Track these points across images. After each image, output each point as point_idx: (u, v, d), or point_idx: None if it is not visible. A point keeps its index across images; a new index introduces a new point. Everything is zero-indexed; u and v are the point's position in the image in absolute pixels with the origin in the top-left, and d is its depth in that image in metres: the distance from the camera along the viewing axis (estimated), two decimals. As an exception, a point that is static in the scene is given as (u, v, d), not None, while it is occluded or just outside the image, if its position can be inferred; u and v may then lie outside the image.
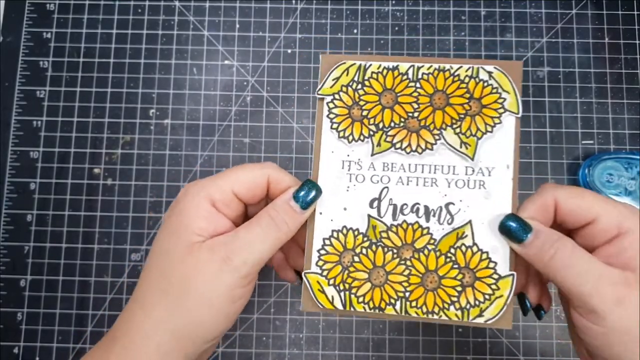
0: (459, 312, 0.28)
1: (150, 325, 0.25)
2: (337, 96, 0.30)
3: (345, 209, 0.29)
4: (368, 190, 0.29)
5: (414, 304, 0.28)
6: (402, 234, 0.29)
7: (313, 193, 0.27)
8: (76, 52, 0.46)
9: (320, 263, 0.29)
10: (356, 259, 0.29)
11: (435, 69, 0.30)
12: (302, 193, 0.27)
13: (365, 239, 0.29)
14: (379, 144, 0.30)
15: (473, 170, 0.29)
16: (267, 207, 0.27)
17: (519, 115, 0.29)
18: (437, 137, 0.29)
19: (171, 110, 0.46)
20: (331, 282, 0.29)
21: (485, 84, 0.29)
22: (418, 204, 0.29)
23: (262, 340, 0.43)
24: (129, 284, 0.43)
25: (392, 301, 0.29)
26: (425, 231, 0.29)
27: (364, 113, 0.30)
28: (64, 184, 0.45)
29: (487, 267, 0.28)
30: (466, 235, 0.29)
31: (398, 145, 0.30)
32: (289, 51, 0.47)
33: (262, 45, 0.47)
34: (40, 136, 0.45)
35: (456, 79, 0.30)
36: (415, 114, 0.30)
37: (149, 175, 0.45)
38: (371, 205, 0.29)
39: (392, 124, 0.30)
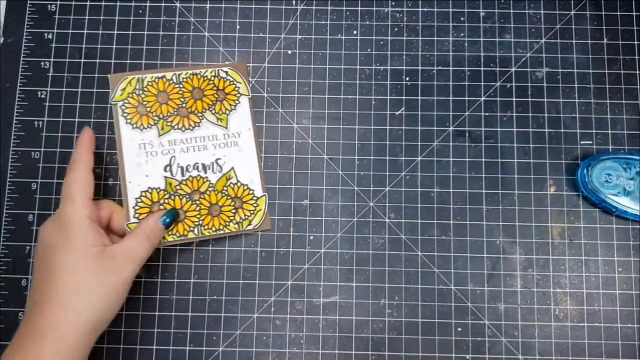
0: (236, 225, 0.43)
1: (71, 320, 0.34)
2: (126, 101, 0.43)
3: (147, 175, 0.43)
4: (161, 160, 0.43)
5: (206, 227, 0.43)
6: (190, 185, 0.43)
7: (170, 217, 0.41)
8: (77, 52, 0.47)
9: (137, 215, 0.42)
10: (162, 207, 0.43)
11: (190, 73, 0.44)
12: (165, 217, 0.41)
13: (165, 193, 0.43)
14: (162, 128, 0.43)
15: (228, 135, 0.44)
16: (142, 224, 0.39)
17: (250, 96, 0.45)
18: (201, 118, 0.44)
19: (172, 111, 0.46)
20: None
21: (225, 79, 0.45)
22: (197, 163, 0.43)
23: (262, 340, 0.43)
24: (130, 284, 0.44)
25: (191, 228, 0.43)
26: (205, 180, 0.43)
27: (147, 109, 0.43)
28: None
29: (248, 194, 0.44)
30: (232, 177, 0.44)
31: (176, 127, 0.44)
32: (289, 52, 0.47)
33: (263, 46, 0.47)
34: (41, 136, 0.45)
35: (205, 78, 0.45)
36: (184, 105, 0.44)
37: (150, 175, 0.45)
38: (165, 170, 0.43)
39: (169, 113, 0.44)
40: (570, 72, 0.46)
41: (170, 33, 0.47)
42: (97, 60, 0.46)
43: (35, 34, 0.47)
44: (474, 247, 0.44)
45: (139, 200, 0.43)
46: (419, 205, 0.45)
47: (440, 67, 0.47)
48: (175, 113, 0.44)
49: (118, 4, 0.47)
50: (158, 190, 0.43)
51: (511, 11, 0.47)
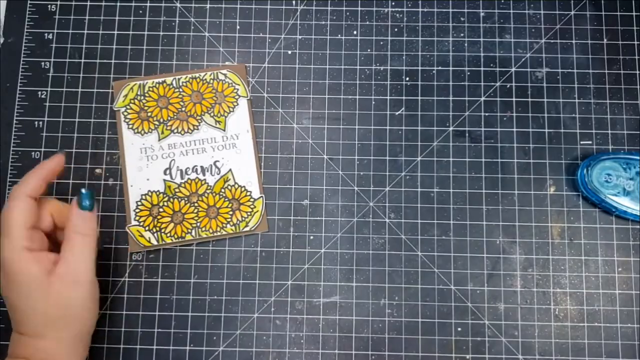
0: (233, 227, 0.44)
1: (50, 329, 0.36)
2: (128, 107, 0.45)
3: (147, 179, 0.44)
4: (161, 164, 0.44)
5: (203, 229, 0.43)
6: (189, 187, 0.44)
7: (88, 199, 0.37)
8: (77, 52, 0.47)
9: (137, 218, 0.43)
10: (161, 210, 0.44)
11: (190, 77, 0.45)
12: (83, 202, 0.37)
13: (165, 195, 0.44)
14: (162, 132, 0.44)
15: (227, 137, 0.45)
16: (69, 226, 0.36)
17: (249, 98, 0.45)
18: (199, 121, 0.45)
19: (172, 111, 0.46)
20: (147, 228, 0.43)
21: (224, 82, 0.45)
22: (196, 165, 0.44)
23: (262, 340, 0.43)
24: (130, 284, 0.44)
25: (189, 230, 0.43)
26: (203, 182, 0.44)
27: (149, 114, 0.45)
28: (66, 184, 0.45)
29: (246, 196, 0.44)
30: (230, 179, 0.44)
31: (176, 131, 0.44)
32: (289, 52, 0.47)
33: (263, 47, 0.47)
34: (41, 136, 0.45)
35: (205, 81, 0.45)
36: (183, 109, 0.45)
37: (150, 175, 0.45)
38: (165, 173, 0.44)
39: (169, 118, 0.45)
40: (570, 72, 0.46)
41: (170, 33, 0.47)
42: (97, 61, 0.47)
43: (36, 34, 0.47)
44: (473, 247, 0.44)
45: (139, 203, 0.44)
46: (419, 205, 0.45)
47: (440, 67, 0.47)
48: (175, 117, 0.45)
49: (118, 4, 0.47)
50: (157, 193, 0.44)
51: (511, 11, 0.47)
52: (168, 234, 0.43)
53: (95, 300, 0.37)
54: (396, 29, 0.47)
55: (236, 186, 0.44)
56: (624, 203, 0.43)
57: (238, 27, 0.47)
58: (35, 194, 0.36)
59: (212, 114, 0.45)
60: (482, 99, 0.46)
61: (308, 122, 0.46)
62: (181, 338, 0.43)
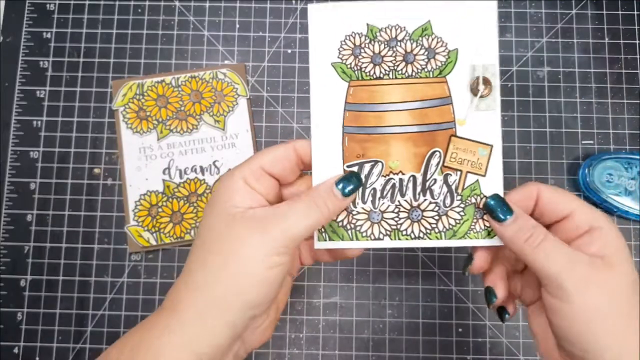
0: None
1: (190, 295, 0.26)
2: (127, 106, 0.45)
3: (146, 179, 0.44)
4: (160, 163, 0.44)
5: None
6: (188, 187, 0.44)
7: (353, 185, 0.28)
8: (76, 52, 0.46)
9: (136, 218, 0.43)
10: (160, 210, 0.44)
11: (189, 76, 0.45)
12: (345, 182, 0.28)
13: (164, 195, 0.44)
14: (161, 132, 0.44)
15: (226, 137, 0.45)
16: (309, 189, 0.29)
17: (248, 97, 0.45)
18: (199, 120, 0.45)
19: (171, 110, 0.46)
20: (146, 228, 0.43)
21: (223, 81, 0.45)
22: (195, 165, 0.44)
23: (262, 340, 0.43)
24: (129, 284, 0.43)
25: (188, 230, 0.43)
26: (202, 182, 0.44)
27: (147, 113, 0.45)
28: (64, 184, 0.45)
29: None
30: None
31: (175, 130, 0.45)
32: (289, 51, 0.47)
33: (262, 45, 0.47)
34: (40, 136, 0.45)
35: (204, 81, 0.45)
36: (182, 108, 0.45)
37: (149, 175, 0.45)
38: (164, 173, 0.44)
39: (168, 117, 0.45)
40: (572, 71, 0.46)
41: (169, 32, 0.47)
42: (96, 60, 0.46)
43: (34, 34, 0.47)
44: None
45: (138, 203, 0.43)
46: (420, 205, 0.45)
47: (440, 67, 0.46)
48: (174, 117, 0.45)
49: (117, 3, 0.47)
50: (156, 193, 0.44)
51: (512, 10, 0.47)
52: (167, 234, 0.43)
53: (259, 279, 0.26)
54: (396, 28, 0.47)
55: None
56: (626, 203, 0.43)
57: (237, 25, 0.47)
58: (292, 157, 0.29)
59: (211, 114, 0.45)
60: (483, 98, 0.46)
61: (308, 122, 0.46)
62: (180, 339, 0.43)
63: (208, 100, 0.45)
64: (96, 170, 0.45)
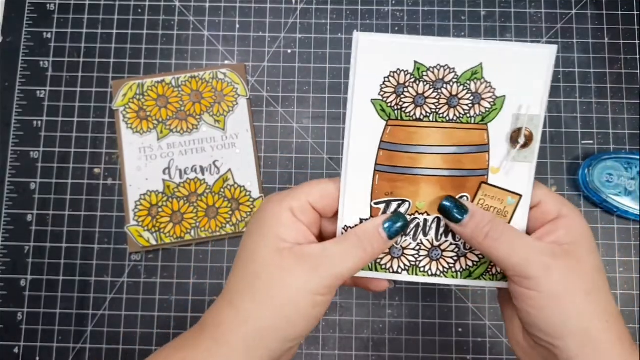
0: (232, 227, 0.44)
1: (238, 318, 0.26)
2: (127, 106, 0.45)
3: (147, 179, 0.44)
4: (160, 163, 0.44)
5: (202, 229, 0.43)
6: (188, 187, 0.44)
7: (400, 224, 0.28)
8: (76, 52, 0.46)
9: (136, 218, 0.43)
10: (160, 210, 0.44)
11: (189, 76, 0.45)
12: (391, 223, 0.28)
13: (164, 195, 0.44)
14: (161, 132, 0.45)
15: (226, 137, 0.45)
16: (355, 228, 0.29)
17: (248, 97, 0.45)
18: (199, 120, 0.45)
19: (171, 110, 0.46)
20: (146, 228, 0.43)
21: (223, 81, 0.45)
22: (195, 165, 0.44)
23: (262, 340, 0.43)
24: (129, 284, 0.43)
25: (188, 230, 0.43)
26: (202, 182, 0.44)
27: (147, 113, 0.45)
28: (64, 183, 0.45)
29: (245, 195, 0.44)
30: (229, 179, 0.44)
31: (175, 130, 0.45)
32: (289, 51, 0.47)
33: (262, 46, 0.47)
34: (40, 136, 0.45)
35: (204, 81, 0.45)
36: (182, 108, 0.45)
37: (149, 175, 0.45)
38: (164, 173, 0.44)
39: (168, 117, 0.45)
40: (572, 71, 0.46)
41: (169, 32, 0.47)
42: (96, 60, 0.46)
43: (35, 34, 0.47)
44: (474, 247, 0.44)
45: (138, 203, 0.44)
46: (420, 205, 0.45)
47: (440, 67, 0.46)
48: (174, 117, 0.45)
49: (117, 3, 0.47)
50: (157, 193, 0.44)
51: (512, 10, 0.47)
52: (167, 234, 0.43)
53: (305, 313, 0.27)
54: (397, 28, 0.47)
55: (236, 186, 0.44)
56: (625, 203, 0.43)
57: (237, 26, 0.47)
58: (333, 197, 0.29)
59: (211, 114, 0.45)
60: (483, 98, 0.46)
61: (308, 122, 0.46)
62: (180, 338, 0.43)
63: (208, 100, 0.45)
64: (96, 170, 0.45)
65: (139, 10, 0.47)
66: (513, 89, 0.27)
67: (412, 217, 0.29)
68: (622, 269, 0.44)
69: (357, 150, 0.28)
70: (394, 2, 0.47)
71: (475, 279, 0.29)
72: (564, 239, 0.27)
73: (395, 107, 0.28)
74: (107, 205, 0.44)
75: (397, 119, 0.28)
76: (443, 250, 0.29)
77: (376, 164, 0.28)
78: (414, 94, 0.28)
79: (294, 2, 0.47)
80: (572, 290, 0.26)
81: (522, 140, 0.27)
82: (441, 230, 0.29)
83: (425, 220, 0.29)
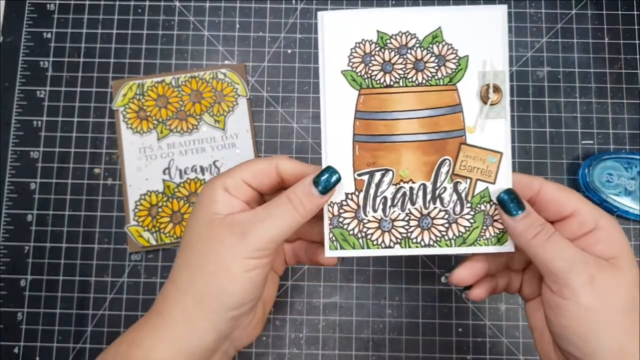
0: None
1: (178, 292, 0.28)
2: (127, 106, 0.45)
3: (147, 179, 0.44)
4: (160, 163, 0.44)
5: None
6: (188, 187, 0.44)
7: (333, 178, 0.28)
8: (76, 52, 0.46)
9: (136, 218, 0.44)
10: (160, 210, 0.44)
11: (189, 76, 0.45)
12: (322, 178, 0.28)
13: (164, 195, 0.44)
14: (161, 132, 0.45)
15: (226, 137, 0.45)
16: (286, 190, 0.28)
17: (248, 97, 0.45)
18: (199, 120, 0.45)
19: (171, 110, 0.46)
20: (146, 228, 0.44)
21: (223, 81, 0.45)
22: (195, 165, 0.44)
23: (262, 340, 0.43)
24: (129, 284, 0.43)
25: None
26: (203, 182, 0.44)
27: (147, 114, 0.45)
28: (64, 183, 0.45)
29: None
30: None
31: (175, 130, 0.45)
32: (289, 51, 0.47)
33: (262, 46, 0.47)
34: (40, 136, 0.45)
35: (204, 81, 0.45)
36: (182, 108, 0.45)
37: (149, 175, 0.45)
38: (164, 173, 0.44)
39: (168, 117, 0.45)
40: (572, 71, 0.46)
41: (169, 32, 0.47)
42: (96, 60, 0.46)
43: (34, 34, 0.47)
44: (474, 247, 0.44)
45: (138, 203, 0.44)
46: (420, 205, 0.45)
47: (440, 67, 0.46)
48: (174, 117, 0.45)
49: (117, 3, 0.47)
50: (157, 193, 0.44)
51: (512, 10, 0.47)
52: (167, 234, 0.43)
53: (240, 280, 0.27)
54: (396, 28, 0.47)
55: None
56: (626, 203, 0.43)
57: (237, 26, 0.47)
58: (274, 168, 0.29)
59: (211, 114, 0.45)
60: (483, 98, 0.46)
61: (308, 122, 0.46)
62: (180, 338, 0.43)
63: (208, 100, 0.45)
64: (96, 170, 0.45)
65: (139, 10, 0.47)
66: (474, 48, 0.29)
67: (398, 186, 0.29)
68: (622, 269, 0.44)
69: (334, 122, 0.29)
70: (393, 2, 0.47)
71: (470, 245, 0.29)
72: (607, 252, 0.26)
73: (365, 76, 0.29)
74: (107, 205, 0.44)
75: (368, 87, 0.29)
76: (433, 218, 0.29)
77: (354, 135, 0.29)
78: (381, 61, 0.29)
79: (294, 2, 0.47)
80: (611, 306, 0.25)
81: (491, 96, 0.28)
82: (428, 197, 0.29)
83: (411, 189, 0.29)
